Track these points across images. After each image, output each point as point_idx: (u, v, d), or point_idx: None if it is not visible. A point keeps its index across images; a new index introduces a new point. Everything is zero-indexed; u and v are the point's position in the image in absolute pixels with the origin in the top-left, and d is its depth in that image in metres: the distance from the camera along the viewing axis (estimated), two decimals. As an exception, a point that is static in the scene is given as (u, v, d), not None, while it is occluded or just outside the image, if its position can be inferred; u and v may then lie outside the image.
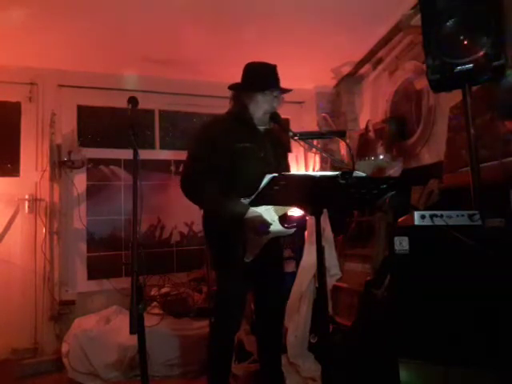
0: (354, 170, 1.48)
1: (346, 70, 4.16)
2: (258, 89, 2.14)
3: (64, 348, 3.20)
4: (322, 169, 4.17)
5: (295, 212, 3.54)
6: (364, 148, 3.89)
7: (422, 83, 3.25)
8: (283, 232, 2.16)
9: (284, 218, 2.18)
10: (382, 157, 2.87)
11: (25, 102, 3.78)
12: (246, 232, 2.05)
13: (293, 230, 2.20)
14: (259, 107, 2.15)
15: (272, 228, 2.10)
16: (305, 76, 4.12)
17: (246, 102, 2.16)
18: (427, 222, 1.69)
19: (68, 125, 3.89)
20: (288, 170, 2.40)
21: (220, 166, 2.10)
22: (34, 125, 3.78)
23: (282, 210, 2.15)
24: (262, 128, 2.21)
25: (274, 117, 2.14)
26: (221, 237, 2.14)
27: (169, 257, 4.15)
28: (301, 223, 3.34)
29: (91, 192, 3.96)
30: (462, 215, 1.70)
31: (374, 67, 4.02)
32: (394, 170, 3.21)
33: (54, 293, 3.62)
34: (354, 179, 1.41)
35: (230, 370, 2.34)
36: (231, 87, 2.23)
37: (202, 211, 2.27)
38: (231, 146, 2.10)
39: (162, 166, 4.23)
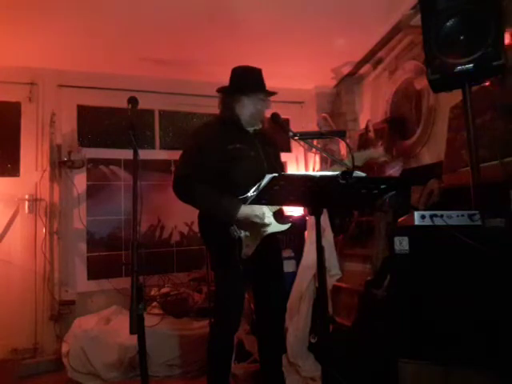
0: (354, 169, 1.48)
1: (346, 69, 4.15)
2: (243, 92, 2.20)
3: (64, 348, 3.20)
4: (322, 169, 4.17)
5: (295, 211, 3.55)
6: (364, 148, 3.89)
7: (422, 83, 3.25)
8: (279, 228, 2.19)
9: (278, 214, 2.19)
10: (373, 149, 2.88)
11: (25, 102, 3.78)
12: (244, 228, 2.08)
13: (288, 225, 2.22)
14: (246, 110, 2.21)
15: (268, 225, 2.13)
16: (305, 76, 4.12)
17: (233, 105, 2.22)
18: (427, 222, 1.69)
19: (68, 125, 3.89)
20: (282, 169, 2.43)
21: (213, 168, 2.14)
22: (34, 125, 3.78)
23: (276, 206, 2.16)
24: (250, 129, 2.27)
25: (275, 117, 2.16)
26: (217, 236, 2.16)
27: (169, 257, 4.15)
28: (301, 223, 3.35)
29: (91, 192, 3.95)
30: (462, 215, 1.70)
31: (374, 67, 4.02)
32: (394, 170, 3.21)
33: (54, 293, 3.62)
34: (353, 179, 1.41)
35: (230, 370, 2.34)
36: (219, 90, 2.29)
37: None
38: (223, 147, 2.15)
39: (162, 166, 4.23)
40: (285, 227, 2.21)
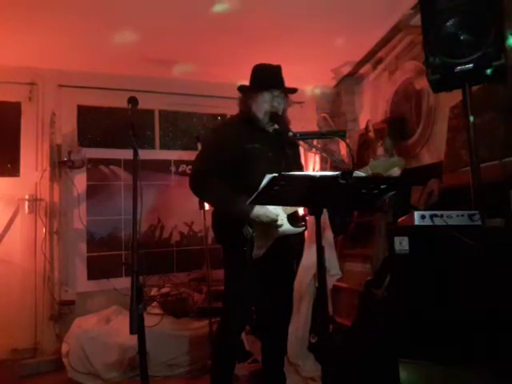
0: (353, 169, 1.48)
1: (346, 69, 4.16)
2: (255, 89, 2.17)
3: (64, 348, 3.19)
4: (322, 169, 4.17)
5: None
6: (364, 148, 3.89)
7: (422, 83, 3.25)
8: (292, 231, 2.15)
9: (293, 217, 2.17)
10: (396, 157, 2.90)
11: (25, 102, 3.78)
12: (257, 228, 2.06)
13: (302, 228, 2.20)
14: (259, 107, 2.16)
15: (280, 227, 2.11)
16: (305, 76, 4.12)
17: (250, 103, 2.18)
18: (427, 222, 1.69)
19: (68, 125, 3.89)
20: (301, 170, 2.39)
21: (230, 166, 2.11)
22: (34, 125, 3.78)
23: (290, 208, 2.14)
24: (271, 129, 2.21)
25: (273, 117, 2.15)
26: (229, 236, 2.14)
27: (169, 257, 4.14)
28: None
29: (91, 192, 3.95)
30: (462, 215, 1.71)
31: (374, 67, 4.02)
32: (394, 170, 3.21)
33: (54, 293, 3.62)
34: (353, 179, 1.41)
35: (234, 370, 2.31)
36: (238, 88, 2.26)
37: (204, 210, 2.27)
38: (241, 146, 2.13)
39: (162, 165, 4.23)
40: (298, 231, 2.18)
